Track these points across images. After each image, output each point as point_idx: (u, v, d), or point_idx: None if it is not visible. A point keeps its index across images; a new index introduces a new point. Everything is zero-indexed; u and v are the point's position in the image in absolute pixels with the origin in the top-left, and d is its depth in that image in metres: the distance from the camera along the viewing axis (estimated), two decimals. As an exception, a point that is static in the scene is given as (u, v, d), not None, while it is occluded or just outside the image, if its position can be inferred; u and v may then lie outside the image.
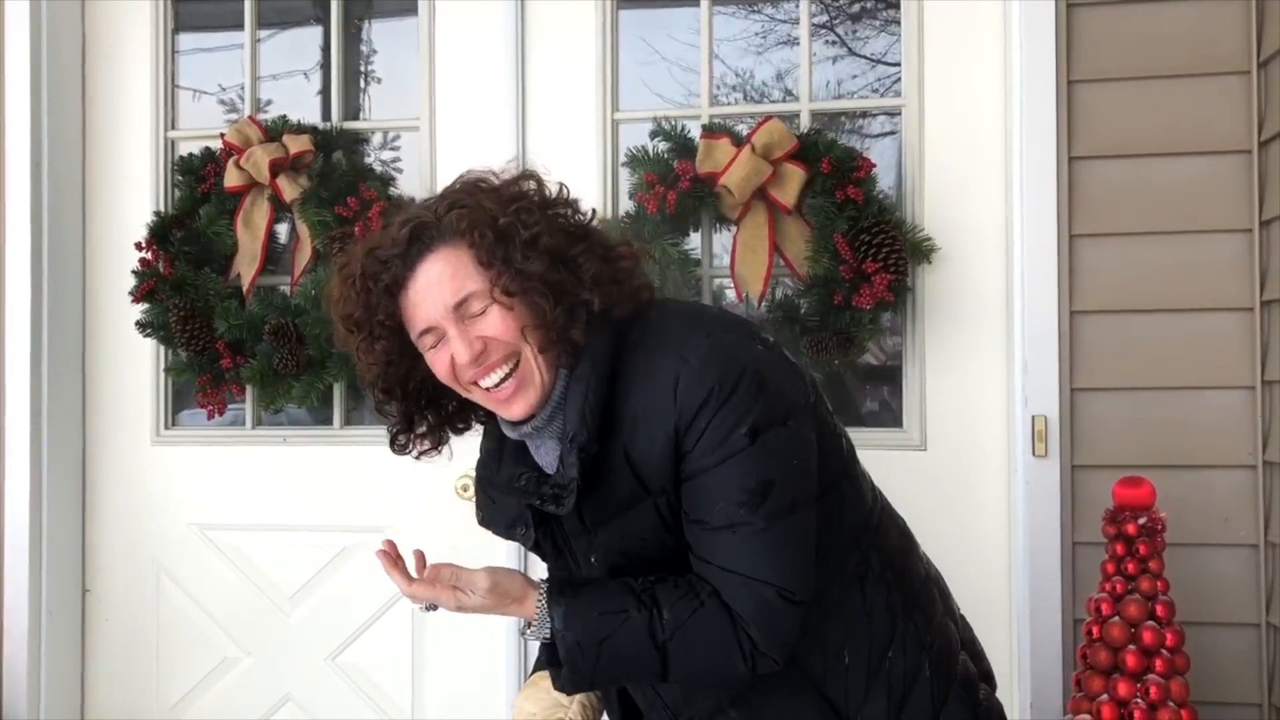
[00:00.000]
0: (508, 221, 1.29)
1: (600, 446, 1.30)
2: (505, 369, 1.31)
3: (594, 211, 1.40)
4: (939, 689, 1.41)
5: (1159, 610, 2.02)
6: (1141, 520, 2.05)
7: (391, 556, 1.34)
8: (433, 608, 1.35)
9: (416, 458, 1.46)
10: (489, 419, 1.47)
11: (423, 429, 1.44)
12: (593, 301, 1.31)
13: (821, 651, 1.37)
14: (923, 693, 1.40)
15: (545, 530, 1.42)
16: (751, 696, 1.40)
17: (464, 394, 1.36)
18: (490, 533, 1.52)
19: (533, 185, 1.36)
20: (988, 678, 1.54)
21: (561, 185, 1.38)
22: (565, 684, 1.32)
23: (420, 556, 1.37)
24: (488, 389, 1.33)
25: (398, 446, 1.45)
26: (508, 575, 1.35)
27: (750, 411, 1.26)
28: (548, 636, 1.31)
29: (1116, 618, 2.03)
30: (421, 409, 1.43)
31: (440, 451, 1.47)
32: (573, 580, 1.39)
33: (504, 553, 2.57)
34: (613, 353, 1.32)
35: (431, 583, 1.33)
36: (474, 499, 1.55)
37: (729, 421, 1.26)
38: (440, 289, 1.29)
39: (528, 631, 1.34)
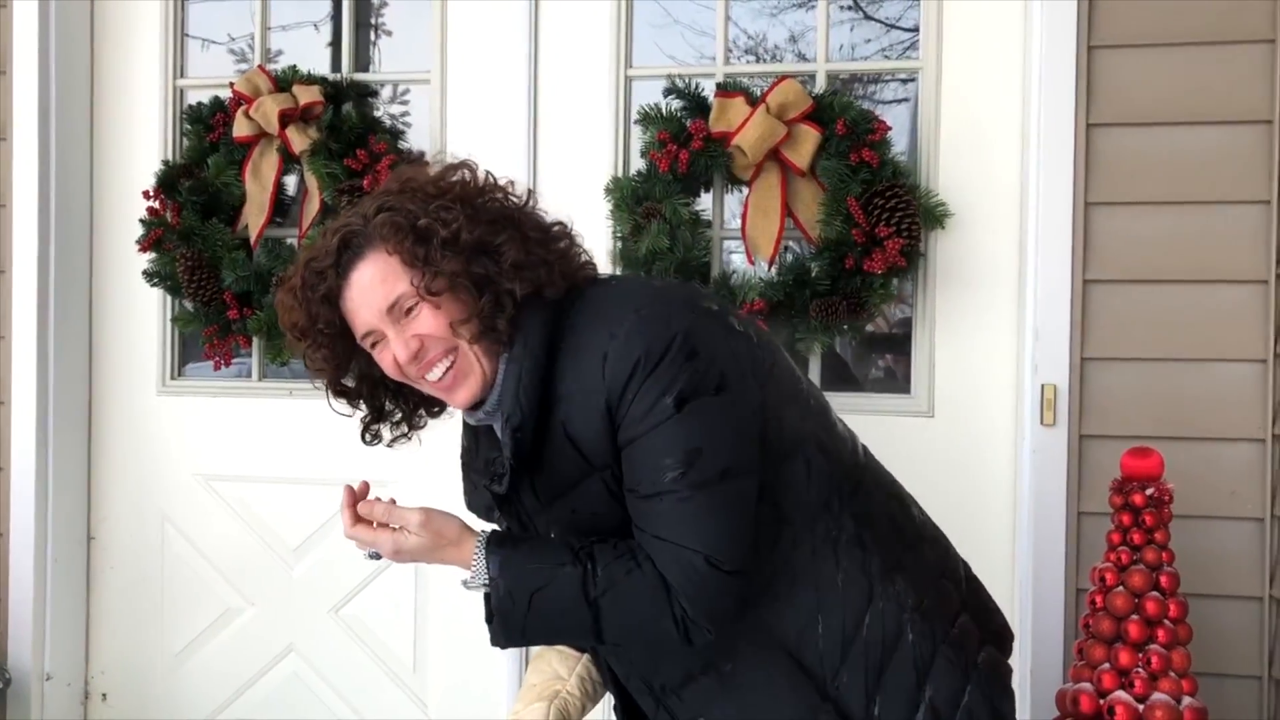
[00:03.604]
0: (427, 222, 1.32)
1: (542, 425, 1.34)
2: (446, 363, 1.36)
3: (530, 193, 1.44)
4: (924, 652, 1.40)
5: (1163, 581, 2.02)
6: (1149, 491, 2.04)
7: (353, 495, 1.37)
8: (376, 555, 1.37)
9: (389, 445, 1.50)
10: None
11: (398, 417, 1.50)
12: (514, 290, 1.33)
13: (793, 616, 1.37)
14: (905, 656, 1.39)
15: (510, 510, 1.45)
16: (722, 664, 1.40)
17: (416, 386, 1.41)
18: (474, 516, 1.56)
19: (466, 174, 1.39)
20: (999, 639, 1.53)
21: (488, 173, 1.41)
22: (497, 635, 1.34)
23: (365, 487, 1.39)
24: (433, 382, 1.38)
25: (370, 434, 1.51)
26: (444, 517, 1.37)
27: (676, 380, 1.28)
28: (486, 586, 1.33)
29: (1121, 587, 2.03)
30: (391, 397, 1.49)
31: (410, 438, 1.51)
32: (513, 535, 1.42)
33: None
34: (549, 333, 1.35)
35: (369, 524, 1.36)
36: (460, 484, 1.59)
37: (655, 391, 1.28)
38: (372, 294, 1.34)
39: (468, 582, 1.35)
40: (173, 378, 2.81)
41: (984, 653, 1.47)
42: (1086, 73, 2.28)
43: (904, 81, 2.56)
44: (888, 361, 2.63)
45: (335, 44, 2.79)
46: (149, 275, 2.65)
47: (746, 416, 1.33)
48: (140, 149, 2.78)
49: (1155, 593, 2.01)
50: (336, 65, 2.75)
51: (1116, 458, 2.12)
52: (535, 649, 1.74)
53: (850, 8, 2.60)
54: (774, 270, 2.43)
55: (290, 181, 2.72)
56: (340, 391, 1.46)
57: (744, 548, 1.30)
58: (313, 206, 2.60)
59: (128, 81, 2.80)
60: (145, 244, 2.63)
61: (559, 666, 1.63)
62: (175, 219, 2.61)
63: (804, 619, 1.37)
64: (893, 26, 2.58)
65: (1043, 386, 2.29)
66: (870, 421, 2.40)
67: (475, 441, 1.53)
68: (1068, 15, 2.28)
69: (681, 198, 2.40)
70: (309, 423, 2.71)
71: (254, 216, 2.63)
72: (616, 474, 1.33)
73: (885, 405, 2.48)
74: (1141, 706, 1.95)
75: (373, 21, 2.85)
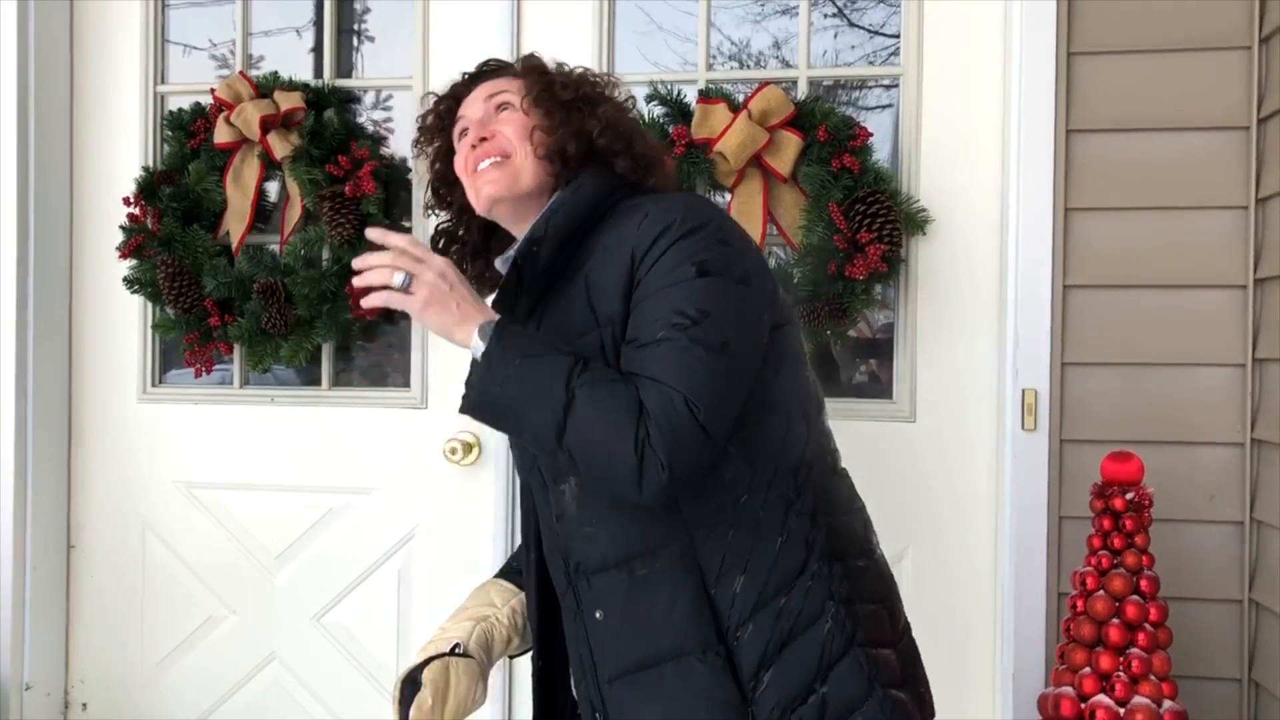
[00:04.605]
0: (557, 68, 1.59)
1: (571, 273, 1.43)
2: (497, 158, 1.51)
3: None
4: (836, 644, 1.37)
5: (1143, 585, 2.03)
6: (1129, 495, 2.05)
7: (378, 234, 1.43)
8: (407, 285, 1.38)
9: (453, 255, 1.67)
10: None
11: (461, 233, 1.68)
12: (594, 130, 1.50)
13: (721, 555, 1.37)
14: (814, 640, 1.36)
15: None
16: (638, 565, 1.40)
17: (469, 189, 1.55)
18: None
19: (607, 76, 1.62)
20: (919, 700, 1.45)
21: (629, 92, 1.65)
22: (475, 382, 1.35)
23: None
24: (480, 171, 1.52)
25: (441, 235, 1.70)
26: (462, 283, 1.43)
27: (703, 253, 1.34)
28: (476, 349, 1.36)
29: (1101, 591, 2.04)
30: (468, 230, 1.67)
31: (463, 267, 1.66)
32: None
33: (490, 524, 2.58)
34: (602, 197, 1.47)
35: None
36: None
37: (682, 255, 1.34)
38: (483, 93, 1.58)
39: (477, 340, 1.37)
40: (153, 384, 2.79)
41: (900, 691, 1.41)
42: (1066, 79, 2.30)
43: (887, 88, 2.56)
44: (871, 367, 2.63)
45: (317, 50, 2.78)
46: (129, 282, 2.64)
47: (758, 320, 1.38)
48: (120, 155, 2.76)
49: (1136, 596, 2.02)
50: (319, 71, 2.74)
51: (1097, 462, 2.13)
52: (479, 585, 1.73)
53: (834, 15, 2.60)
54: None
55: (271, 188, 2.71)
56: (437, 194, 1.67)
57: (724, 416, 1.31)
58: (294, 213, 2.59)
59: (108, 87, 2.78)
60: (125, 251, 2.62)
61: (495, 596, 1.67)
62: (156, 225, 2.60)
63: (730, 561, 1.37)
64: (876, 33, 2.59)
65: (1023, 391, 2.30)
66: (853, 426, 2.41)
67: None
68: (1047, 22, 2.30)
69: (664, 204, 2.40)
70: (291, 430, 2.70)
71: (235, 223, 2.62)
72: (617, 334, 1.37)
73: (868, 410, 2.48)
74: (1122, 710, 1.96)
75: (355, 27, 2.84)
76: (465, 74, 1.64)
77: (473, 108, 1.57)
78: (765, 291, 1.41)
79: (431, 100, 1.66)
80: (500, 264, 1.60)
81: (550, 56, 1.64)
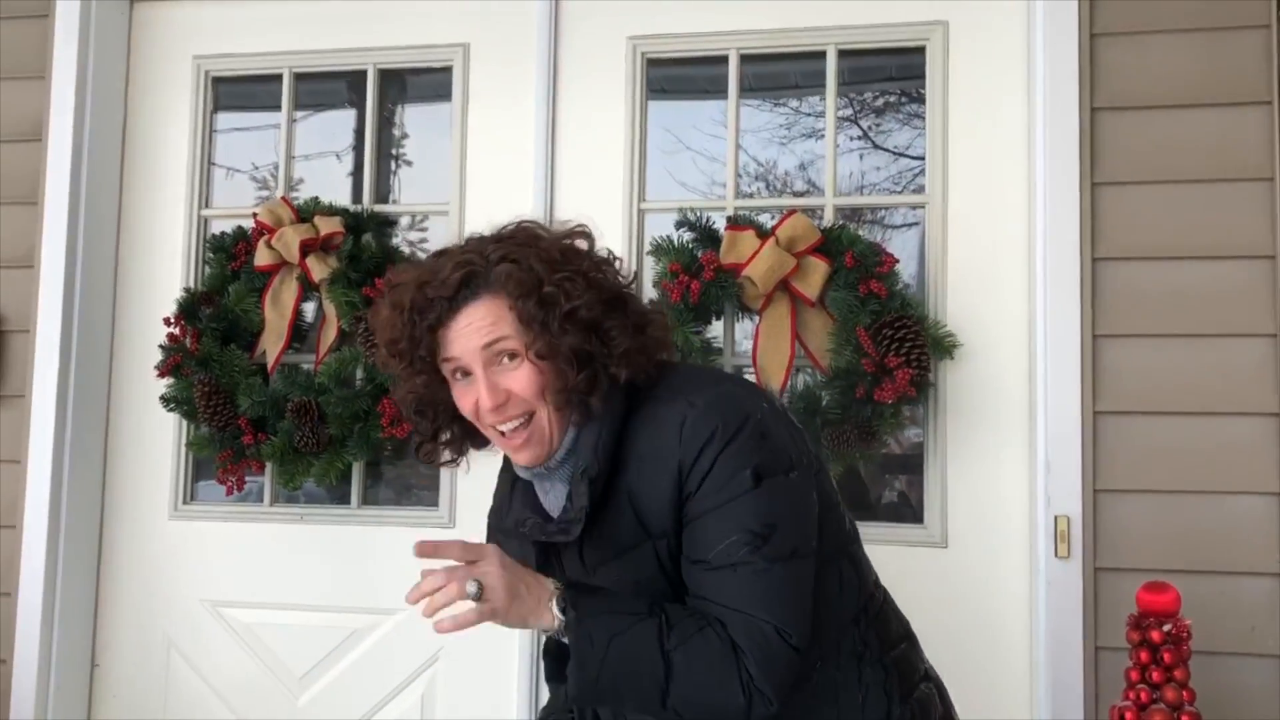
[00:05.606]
0: (552, 290, 1.34)
1: (606, 487, 1.36)
2: (519, 421, 1.38)
3: (635, 274, 1.52)
4: None
5: (1185, 721, 1.97)
6: (1166, 627, 2.01)
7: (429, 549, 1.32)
8: (478, 594, 1.27)
9: (439, 466, 1.53)
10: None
11: (445, 438, 1.50)
12: (619, 375, 1.36)
13: None
14: None
15: (547, 573, 1.42)
16: None
17: (480, 429, 1.42)
18: None
19: (585, 244, 1.42)
20: None
21: (609, 251, 1.45)
22: (572, 685, 1.31)
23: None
24: (503, 435, 1.39)
25: (422, 454, 1.52)
26: (515, 563, 1.33)
27: (753, 456, 1.31)
28: (558, 630, 1.30)
29: (1142, 728, 1.98)
30: (448, 423, 1.49)
31: (459, 464, 1.53)
32: (586, 584, 1.40)
33: (514, 648, 2.55)
34: (627, 401, 1.38)
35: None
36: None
37: (732, 464, 1.31)
38: (476, 331, 1.35)
39: (555, 629, 1.31)
40: (185, 502, 2.81)
41: None
42: (1090, 208, 2.33)
43: (913, 206, 2.60)
44: (901, 485, 2.62)
45: (356, 173, 2.87)
46: (166, 400, 2.68)
47: (810, 502, 1.37)
48: (163, 276, 2.83)
49: (1178, 734, 1.97)
50: (357, 195, 2.82)
51: (1133, 591, 2.09)
52: None
53: (859, 137, 2.66)
54: (785, 398, 2.44)
55: (308, 308, 2.76)
56: (420, 413, 1.47)
57: (807, 626, 1.31)
58: (330, 333, 2.64)
59: (154, 211, 2.87)
60: (164, 369, 2.66)
61: None
62: (194, 345, 2.65)
63: None
64: (901, 155, 2.64)
65: (1056, 518, 2.28)
66: (884, 552, 2.35)
67: (508, 501, 1.54)
68: (1070, 152, 2.33)
69: (693, 326, 2.43)
70: (318, 548, 2.70)
71: (272, 343, 2.66)
72: (672, 544, 1.35)
73: (899, 535, 2.46)
74: None
75: (393, 152, 2.93)
76: (433, 296, 1.36)
77: (463, 343, 1.36)
78: (806, 462, 1.39)
79: (401, 326, 1.39)
80: (522, 471, 1.47)
81: (518, 222, 1.44)
